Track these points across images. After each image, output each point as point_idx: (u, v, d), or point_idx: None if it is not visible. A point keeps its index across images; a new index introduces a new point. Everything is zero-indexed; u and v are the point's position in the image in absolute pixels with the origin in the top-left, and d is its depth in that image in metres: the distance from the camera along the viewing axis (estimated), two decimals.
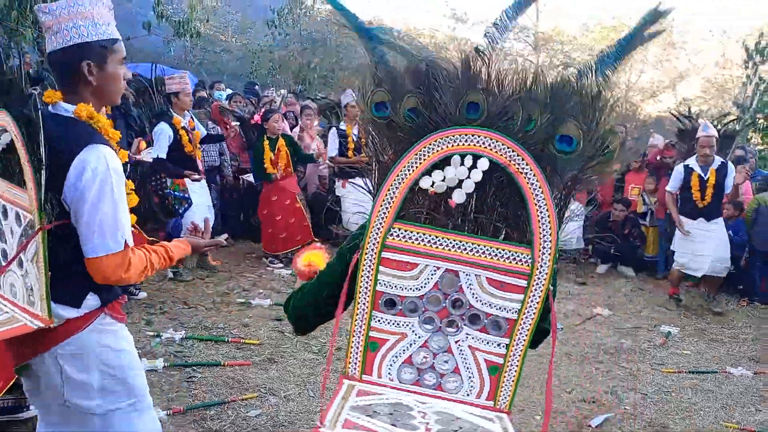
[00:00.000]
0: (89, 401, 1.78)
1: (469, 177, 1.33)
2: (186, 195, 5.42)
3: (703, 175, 5.71)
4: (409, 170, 1.34)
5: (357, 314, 1.43)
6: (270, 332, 4.58)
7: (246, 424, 3.24)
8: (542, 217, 1.30)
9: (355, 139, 6.68)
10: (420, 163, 1.33)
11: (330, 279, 1.47)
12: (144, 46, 18.91)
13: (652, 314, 5.80)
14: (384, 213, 1.36)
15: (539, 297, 1.33)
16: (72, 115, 1.73)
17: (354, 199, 6.42)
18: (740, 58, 13.10)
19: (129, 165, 5.38)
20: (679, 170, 5.90)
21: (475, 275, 1.36)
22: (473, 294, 1.36)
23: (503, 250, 1.33)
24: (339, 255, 1.50)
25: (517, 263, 1.34)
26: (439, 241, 1.36)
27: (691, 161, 5.82)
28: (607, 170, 1.35)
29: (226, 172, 7.35)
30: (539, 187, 1.29)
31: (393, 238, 1.37)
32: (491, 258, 1.34)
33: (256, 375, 3.82)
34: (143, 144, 5.36)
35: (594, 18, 23.30)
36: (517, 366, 1.36)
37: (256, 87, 11.14)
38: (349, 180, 6.54)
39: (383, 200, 1.36)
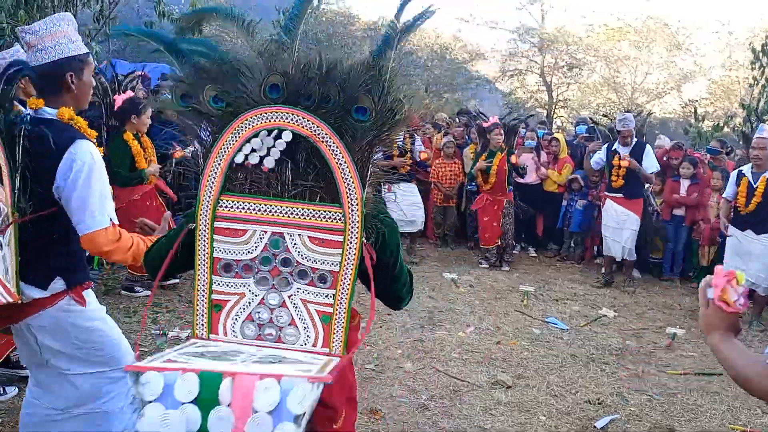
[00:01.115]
0: (65, 364, 2.11)
1: (274, 146, 1.51)
2: None
3: (753, 182, 5.36)
4: (227, 148, 1.52)
5: (198, 280, 1.56)
6: None
7: None
8: (346, 178, 1.48)
9: (399, 145, 6.86)
10: (235, 141, 1.51)
11: (168, 246, 1.63)
12: (146, 45, 18.99)
13: (657, 316, 5.78)
14: (210, 188, 1.54)
15: (355, 249, 1.49)
16: (56, 118, 2.06)
17: (396, 202, 6.74)
18: (747, 60, 13.06)
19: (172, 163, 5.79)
20: (733, 176, 5.65)
21: (298, 235, 1.52)
22: (299, 252, 1.52)
23: (318, 211, 1.51)
24: (179, 225, 1.69)
25: (331, 221, 1.51)
26: (263, 208, 1.53)
27: (746, 167, 5.51)
28: (396, 135, 1.58)
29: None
30: (340, 153, 1.47)
31: (222, 209, 1.54)
32: (310, 219, 1.51)
33: None
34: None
35: (599, 18, 23.25)
36: (344, 313, 1.50)
37: None
38: (392, 186, 6.74)
39: (208, 177, 1.54)
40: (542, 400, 3.79)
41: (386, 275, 1.67)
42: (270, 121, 1.49)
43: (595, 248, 7.80)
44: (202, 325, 1.56)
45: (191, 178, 6.11)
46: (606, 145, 6.67)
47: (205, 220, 1.54)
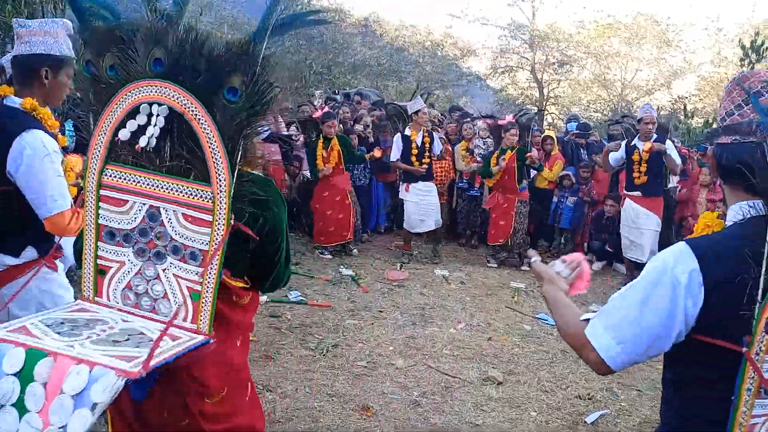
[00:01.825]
0: None
1: (149, 123, 1.51)
2: None
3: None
4: (112, 118, 1.54)
5: (86, 244, 1.62)
6: (266, 329, 4.58)
7: None
8: (216, 158, 1.48)
9: (418, 146, 6.92)
10: (119, 111, 1.53)
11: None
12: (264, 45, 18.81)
13: None
14: (96, 156, 1.57)
15: (223, 229, 1.50)
16: (18, 107, 2.16)
17: (416, 202, 7.00)
18: (736, 56, 13.15)
19: None
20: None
21: (173, 211, 1.54)
22: (173, 228, 1.55)
23: (190, 188, 1.52)
24: None
25: (202, 200, 1.51)
26: (143, 180, 1.55)
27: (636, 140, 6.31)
28: (263, 118, 1.57)
29: None
30: (211, 132, 1.47)
31: (108, 178, 1.58)
32: (183, 195, 1.53)
33: (253, 371, 3.80)
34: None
35: (590, 15, 23.31)
36: (212, 292, 1.52)
37: None
38: (412, 184, 6.99)
39: (95, 145, 1.57)
40: (533, 395, 3.81)
41: (267, 260, 1.71)
42: (149, 94, 1.49)
43: (585, 245, 7.85)
44: (89, 288, 1.63)
45: None
46: (624, 143, 6.56)
47: (91, 188, 1.58)
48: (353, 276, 6.20)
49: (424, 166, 6.95)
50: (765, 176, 1.20)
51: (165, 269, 1.56)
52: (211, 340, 1.52)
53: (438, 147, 7.16)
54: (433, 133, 7.24)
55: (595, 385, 4.03)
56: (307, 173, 7.26)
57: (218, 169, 1.48)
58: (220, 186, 1.48)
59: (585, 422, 3.53)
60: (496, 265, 7.09)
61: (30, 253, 2.22)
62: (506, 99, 23.24)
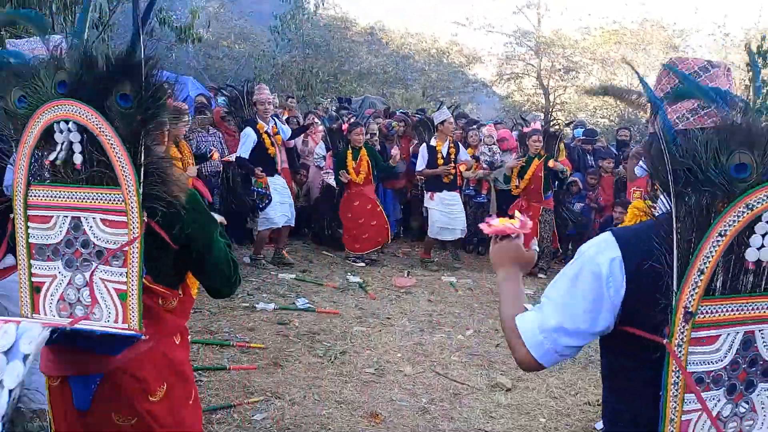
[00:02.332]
0: None
1: (71, 140, 1.61)
2: (267, 192, 6.19)
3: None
4: (28, 143, 1.64)
5: (19, 264, 1.70)
6: (275, 336, 4.59)
7: (251, 428, 3.25)
8: (120, 162, 1.58)
9: (444, 156, 6.96)
10: (33, 136, 1.62)
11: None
12: (147, 52, 19.01)
13: None
14: (20, 178, 1.67)
15: (137, 230, 1.59)
16: None
17: (441, 211, 7.06)
18: (743, 62, 13.10)
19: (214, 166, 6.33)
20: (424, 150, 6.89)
21: (92, 218, 1.63)
22: (94, 234, 1.64)
23: (104, 194, 1.62)
24: None
25: (114, 203, 1.62)
26: (63, 194, 1.65)
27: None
28: (162, 120, 1.68)
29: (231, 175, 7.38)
30: (112, 138, 1.57)
31: (33, 198, 1.67)
32: (99, 201, 1.63)
33: (261, 379, 3.83)
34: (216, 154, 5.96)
35: (595, 22, 23.34)
36: (136, 290, 1.60)
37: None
38: (437, 193, 7.06)
39: (18, 168, 1.67)
40: (542, 402, 3.80)
41: (202, 267, 1.79)
42: (56, 114, 1.60)
43: None
44: (26, 306, 1.71)
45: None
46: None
47: (19, 210, 1.67)
48: (361, 283, 6.21)
49: (450, 175, 7.01)
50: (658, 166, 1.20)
51: (92, 275, 1.65)
52: (143, 336, 1.61)
53: (464, 157, 7.20)
54: (459, 143, 7.28)
55: None
56: (331, 181, 7.36)
57: (125, 172, 1.58)
58: (128, 187, 1.58)
59: (595, 428, 3.51)
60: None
61: (9, 260, 2.25)
62: (512, 106, 23.24)
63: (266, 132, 6.27)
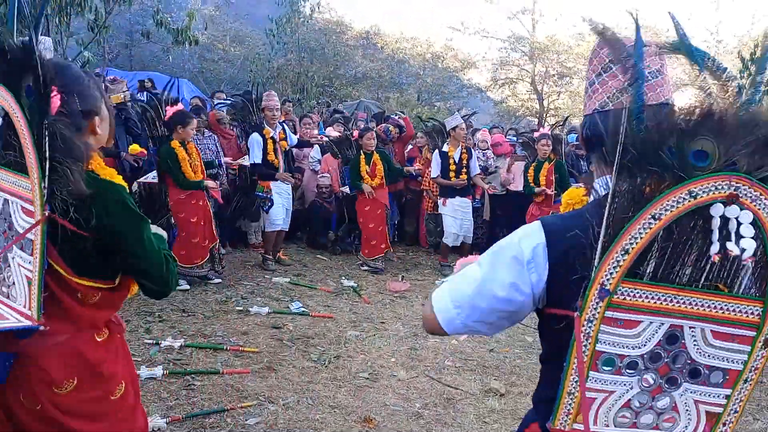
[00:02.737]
0: None
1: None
2: (269, 196, 6.42)
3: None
4: None
5: None
6: (268, 340, 4.58)
7: None
8: (29, 150, 1.56)
9: (456, 161, 6.98)
10: None
11: None
12: (143, 54, 19.00)
13: None
14: None
15: (40, 218, 1.58)
16: None
17: (454, 217, 7.08)
18: (735, 68, 13.20)
19: (223, 168, 6.63)
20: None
21: (15, 203, 1.64)
22: (15, 219, 1.65)
23: (18, 180, 1.63)
24: None
25: (25, 190, 1.61)
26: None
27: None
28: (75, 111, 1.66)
29: (221, 180, 7.38)
30: (23, 126, 1.56)
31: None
32: (15, 187, 1.63)
33: (255, 383, 3.82)
34: (136, 147, 5.75)
35: (589, 28, 23.40)
36: (36, 281, 1.61)
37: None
38: (449, 199, 7.09)
39: None
40: None
41: (130, 265, 1.75)
42: None
43: None
44: None
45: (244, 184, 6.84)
46: None
47: None
48: (355, 287, 6.21)
49: (463, 182, 7.02)
50: (614, 144, 1.13)
51: (13, 257, 1.66)
52: (40, 327, 1.59)
53: (475, 164, 7.20)
54: (471, 149, 7.29)
55: None
56: (346, 189, 7.50)
57: (31, 161, 1.56)
58: (34, 176, 1.57)
59: None
60: None
61: None
62: (506, 111, 23.33)
63: (272, 137, 6.41)
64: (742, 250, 1.12)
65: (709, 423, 1.25)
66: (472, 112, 11.03)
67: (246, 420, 3.35)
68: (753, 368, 1.23)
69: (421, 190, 7.97)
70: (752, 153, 1.12)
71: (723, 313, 1.17)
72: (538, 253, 1.23)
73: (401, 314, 5.47)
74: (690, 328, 1.18)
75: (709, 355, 1.20)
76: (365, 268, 7.00)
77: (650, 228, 1.10)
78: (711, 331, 1.18)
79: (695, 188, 1.10)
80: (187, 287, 5.70)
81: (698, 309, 1.16)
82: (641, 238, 1.11)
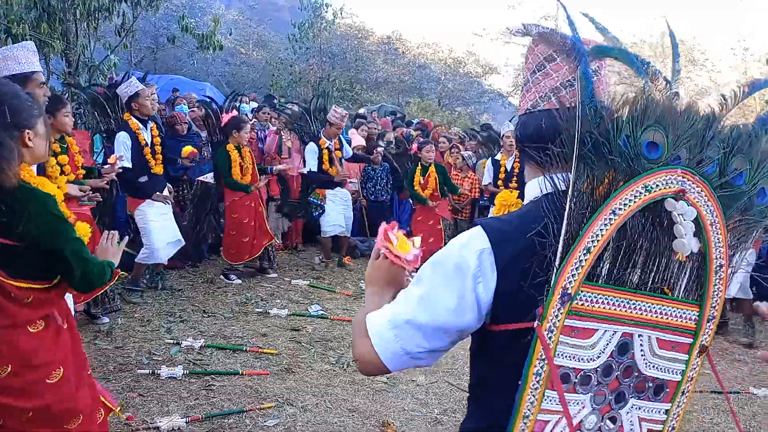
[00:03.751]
0: None
1: None
2: (322, 203, 6.75)
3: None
4: None
5: None
6: (287, 342, 4.60)
7: None
8: None
9: (507, 170, 6.93)
10: None
11: None
12: (167, 58, 19.27)
13: None
14: None
15: None
16: None
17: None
18: (763, 76, 12.96)
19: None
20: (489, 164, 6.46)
21: None
22: None
23: None
24: None
25: None
26: None
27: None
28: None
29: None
30: None
31: None
32: None
33: (274, 385, 3.83)
34: (189, 148, 6.01)
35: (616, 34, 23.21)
36: None
37: (275, 100, 11.25)
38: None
39: None
40: None
41: (58, 268, 1.96)
42: None
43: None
44: None
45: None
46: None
47: None
48: None
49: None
50: (572, 141, 1.06)
51: None
52: None
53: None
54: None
55: None
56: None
57: None
58: None
59: None
60: None
61: None
62: None
63: (327, 148, 6.68)
64: (689, 250, 1.09)
65: None
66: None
67: (265, 422, 3.36)
68: (689, 378, 1.17)
69: None
70: (693, 146, 1.10)
71: (666, 318, 1.12)
72: (484, 260, 1.09)
73: None
74: (639, 336, 1.11)
75: (654, 366, 1.14)
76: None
77: (611, 224, 1.03)
78: (657, 339, 1.12)
79: (649, 182, 1.06)
80: (239, 282, 6.11)
81: (646, 315, 1.10)
82: (602, 235, 1.03)
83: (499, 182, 6.89)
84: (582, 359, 1.07)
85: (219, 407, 3.46)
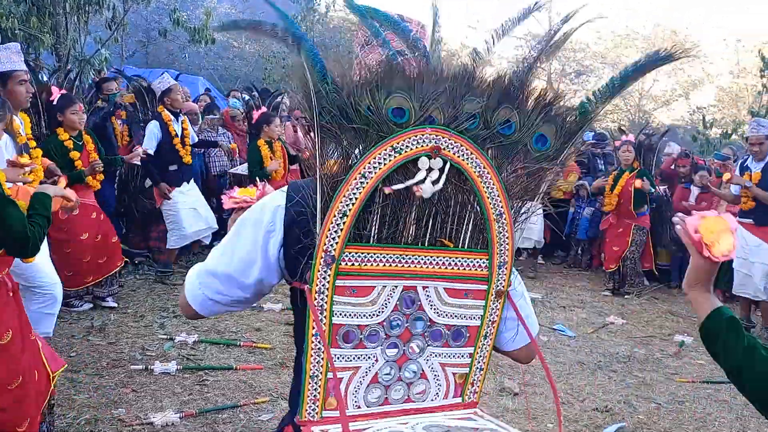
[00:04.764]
0: None
1: None
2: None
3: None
4: None
5: None
6: (281, 337, 4.59)
7: (258, 428, 3.24)
8: None
9: None
10: None
11: None
12: (159, 52, 19.14)
13: (665, 323, 5.76)
14: None
15: None
16: None
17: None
18: (755, 67, 13.01)
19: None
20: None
21: None
22: None
23: None
24: None
25: None
26: None
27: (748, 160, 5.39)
28: None
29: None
30: None
31: None
32: None
33: (268, 379, 3.83)
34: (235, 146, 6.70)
35: (607, 26, 23.24)
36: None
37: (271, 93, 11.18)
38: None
39: None
40: (549, 407, 3.77)
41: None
42: None
43: (602, 255, 7.80)
44: None
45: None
46: (739, 162, 5.72)
47: None
48: None
49: None
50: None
51: None
52: None
53: None
54: None
55: (612, 397, 3.99)
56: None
57: None
58: None
59: None
60: (609, 293, 6.62)
61: None
62: None
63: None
64: (446, 198, 1.14)
65: (458, 386, 1.24)
66: None
67: (259, 416, 3.36)
68: (490, 322, 1.23)
69: None
70: (445, 106, 1.13)
71: (453, 269, 1.17)
72: (277, 215, 1.16)
73: None
74: (424, 288, 1.16)
75: (447, 314, 1.19)
76: None
77: (363, 187, 1.08)
78: (444, 289, 1.18)
79: (398, 143, 1.09)
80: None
81: (428, 267, 1.15)
82: (356, 198, 1.08)
83: None
84: (365, 316, 1.12)
85: (213, 402, 3.45)
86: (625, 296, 6.56)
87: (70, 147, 4.49)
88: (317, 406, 1.12)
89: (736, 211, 5.43)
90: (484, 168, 1.15)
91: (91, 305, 4.82)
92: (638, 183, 6.24)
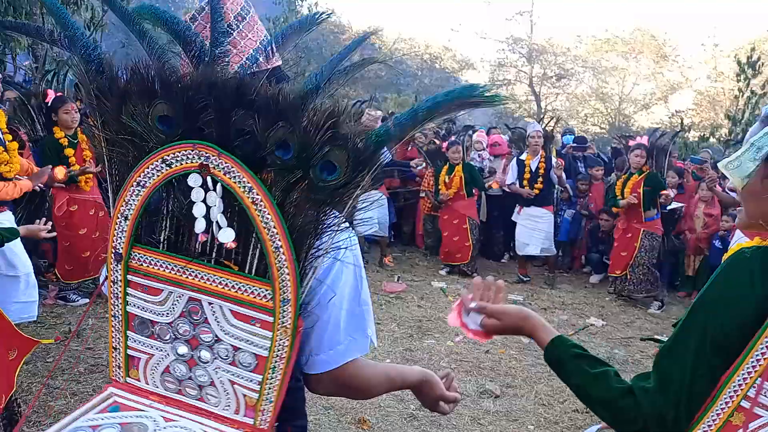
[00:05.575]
0: None
1: None
2: None
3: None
4: None
5: None
6: None
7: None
8: None
9: (531, 171, 6.86)
10: None
11: None
12: (140, 52, 18.98)
13: (645, 325, 5.82)
14: None
15: None
16: None
17: (524, 225, 7.00)
18: (732, 72, 13.23)
19: None
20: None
21: None
22: None
23: None
24: None
25: None
26: None
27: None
28: None
29: None
30: None
31: None
32: None
33: None
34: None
35: (587, 30, 23.49)
36: None
37: None
38: (525, 208, 7.00)
39: None
40: (530, 409, 3.79)
41: None
42: None
43: (583, 257, 7.86)
44: None
45: None
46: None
47: None
48: None
49: (535, 191, 6.83)
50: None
51: None
52: None
53: (554, 176, 6.81)
54: (551, 159, 6.89)
55: None
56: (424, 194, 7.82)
57: None
58: None
59: None
60: (615, 296, 6.58)
61: None
62: (504, 112, 23.35)
63: None
64: (219, 228, 1.08)
65: (249, 408, 1.16)
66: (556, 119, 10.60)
67: None
68: (279, 356, 1.11)
69: (418, 191, 7.96)
70: (217, 120, 1.04)
71: (237, 292, 1.11)
72: None
73: (396, 315, 5.45)
74: (209, 303, 1.13)
75: (232, 336, 1.13)
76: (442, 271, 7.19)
77: (140, 195, 1.11)
78: (230, 310, 1.12)
79: (168, 156, 1.07)
80: None
81: (211, 285, 1.12)
82: (135, 204, 1.12)
83: (525, 182, 6.86)
84: (155, 313, 1.17)
85: None
86: (649, 310, 6.29)
87: (65, 144, 4.79)
88: (120, 372, 1.22)
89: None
90: (257, 194, 1.04)
91: (88, 300, 4.90)
92: (664, 197, 6.10)
